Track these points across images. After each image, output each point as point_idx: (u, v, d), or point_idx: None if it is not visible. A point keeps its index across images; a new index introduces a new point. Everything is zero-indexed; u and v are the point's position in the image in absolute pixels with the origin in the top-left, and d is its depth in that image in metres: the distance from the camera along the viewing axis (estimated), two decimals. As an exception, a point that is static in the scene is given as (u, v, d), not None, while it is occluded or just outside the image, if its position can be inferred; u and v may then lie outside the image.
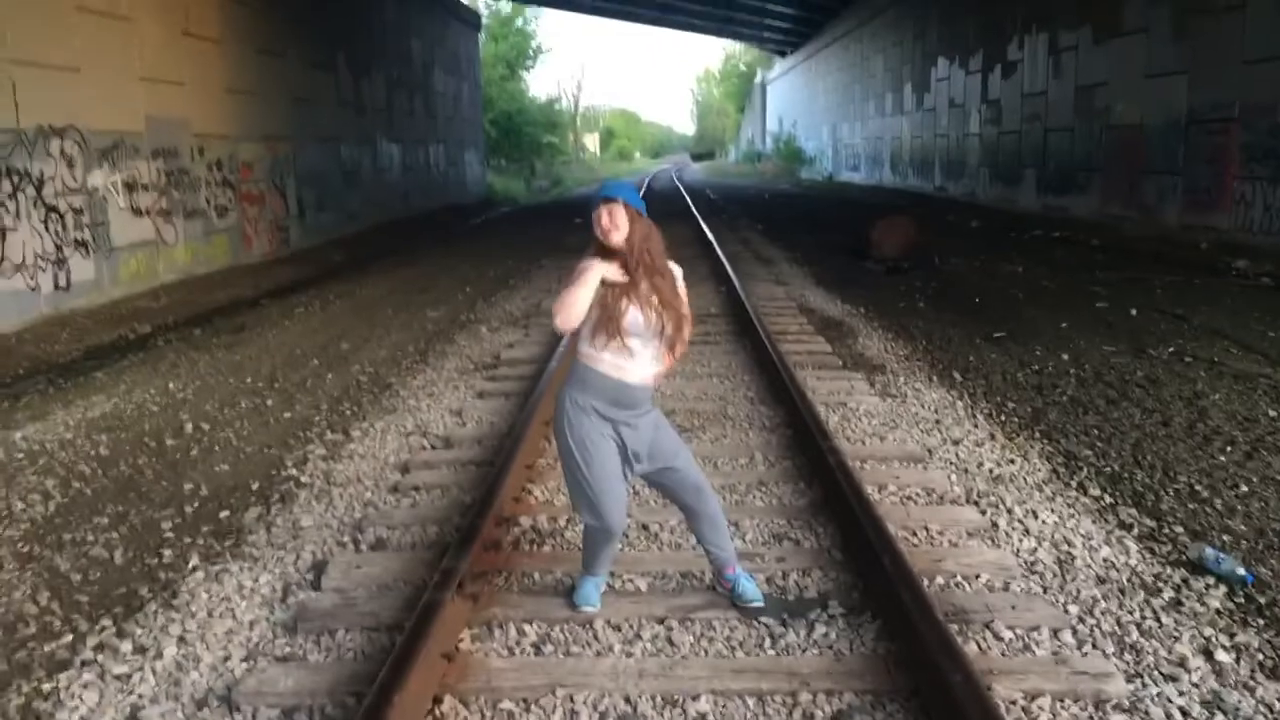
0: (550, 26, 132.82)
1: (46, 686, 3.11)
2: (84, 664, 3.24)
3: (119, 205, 11.73)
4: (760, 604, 3.39)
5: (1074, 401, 6.20)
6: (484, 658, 3.14)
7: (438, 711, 2.85)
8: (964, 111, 23.70)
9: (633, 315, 3.14)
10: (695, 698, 2.91)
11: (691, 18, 41.74)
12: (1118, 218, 15.81)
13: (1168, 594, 3.54)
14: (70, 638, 3.45)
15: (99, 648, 3.35)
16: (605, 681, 2.97)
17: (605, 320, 3.14)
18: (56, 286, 10.39)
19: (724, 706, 2.88)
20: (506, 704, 2.90)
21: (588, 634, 3.29)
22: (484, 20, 40.44)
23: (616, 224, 3.14)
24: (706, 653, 3.18)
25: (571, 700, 2.90)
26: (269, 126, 16.18)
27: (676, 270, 3.35)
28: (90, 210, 11.07)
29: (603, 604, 3.43)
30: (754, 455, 5.14)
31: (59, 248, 10.45)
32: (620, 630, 3.31)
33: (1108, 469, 4.94)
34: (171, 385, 7.27)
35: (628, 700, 2.91)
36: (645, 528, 4.15)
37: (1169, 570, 3.74)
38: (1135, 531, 4.15)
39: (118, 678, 3.14)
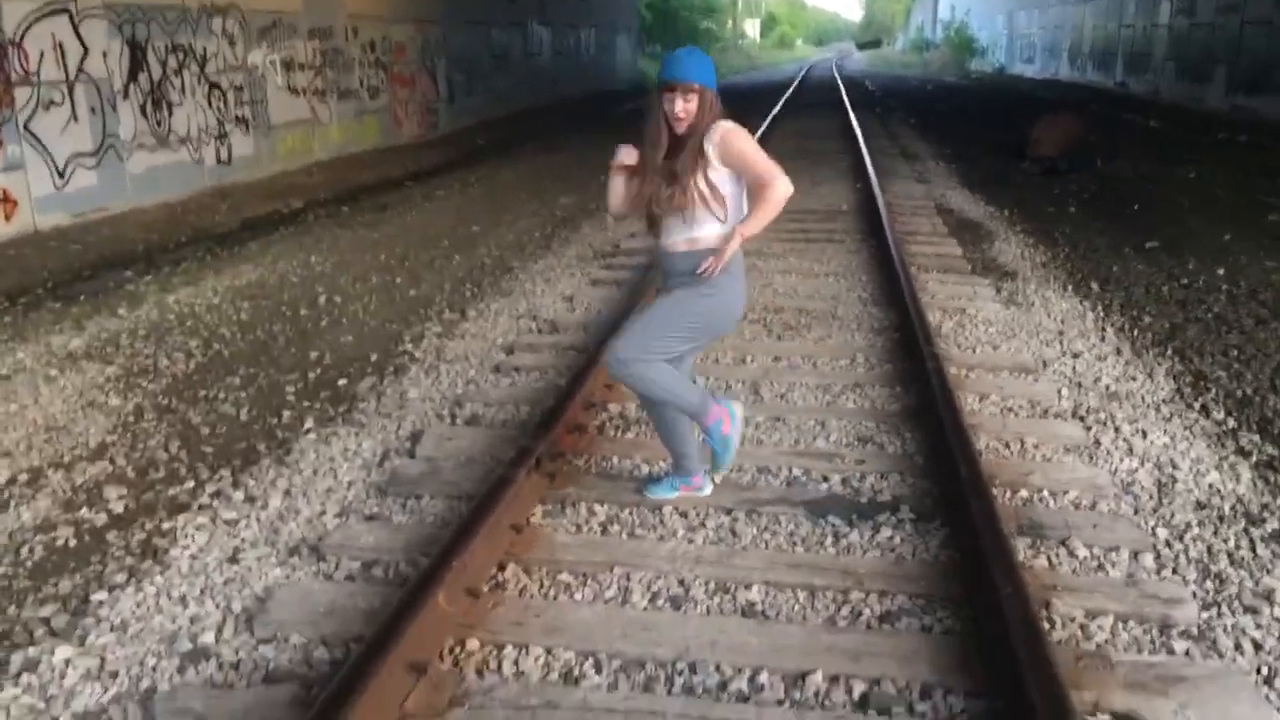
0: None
1: (166, 525, 3.45)
2: (200, 508, 3.57)
3: (277, 84, 12.22)
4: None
5: (1219, 319, 5.78)
6: (551, 532, 3.29)
7: (500, 577, 3.01)
8: (1153, 0, 21.67)
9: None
10: (748, 586, 2.97)
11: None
12: (1317, 122, 14.31)
13: (1271, 525, 3.34)
14: (192, 484, 3.79)
15: (215, 495, 3.68)
16: (662, 564, 3.07)
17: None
18: (219, 160, 11.02)
19: (774, 597, 2.93)
20: (565, 575, 3.03)
21: (655, 518, 3.39)
22: (644, -103, 39.23)
23: (688, 110, 3.08)
24: (767, 545, 3.22)
25: (628, 579, 3.01)
26: (421, 9, 16.38)
27: (723, 131, 3.07)
28: (250, 88, 11.59)
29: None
30: (855, 357, 5.05)
31: (221, 123, 11.02)
32: (686, 517, 3.39)
33: (1239, 391, 4.63)
34: (314, 259, 7.67)
35: (681, 583, 3.00)
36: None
37: (1279, 501, 3.52)
38: (1253, 459, 3.90)
39: (226, 522, 3.44)
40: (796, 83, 31.32)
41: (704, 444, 3.39)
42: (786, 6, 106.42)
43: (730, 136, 3.06)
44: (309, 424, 4.38)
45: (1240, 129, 14.92)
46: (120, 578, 3.10)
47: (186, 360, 5.29)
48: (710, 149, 3.05)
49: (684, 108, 3.03)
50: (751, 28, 78.45)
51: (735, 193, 3.15)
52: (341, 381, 4.95)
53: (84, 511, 3.57)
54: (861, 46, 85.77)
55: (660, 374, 3.18)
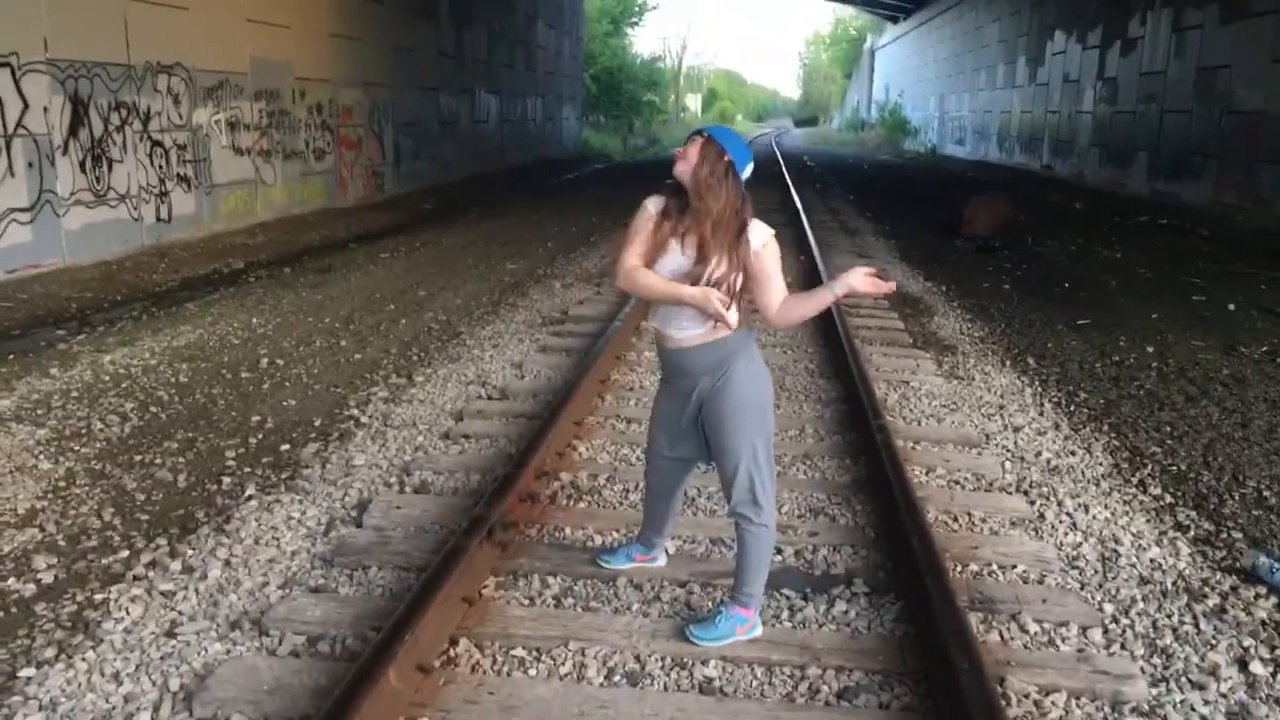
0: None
1: (98, 597, 3.30)
2: (135, 579, 3.43)
3: (221, 143, 12.13)
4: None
5: (1151, 396, 5.97)
6: (504, 605, 3.22)
7: (453, 652, 2.94)
8: (1078, 88, 22.72)
9: (672, 252, 2.90)
10: (705, 662, 2.94)
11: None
12: (1231, 207, 15.03)
13: (1213, 600, 3.41)
14: (126, 553, 3.65)
15: (151, 564, 3.54)
16: (618, 639, 3.02)
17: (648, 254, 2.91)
18: (158, 218, 10.84)
19: (731, 673, 2.90)
20: (519, 650, 2.97)
21: (609, 590, 3.34)
22: (591, -26, 40.26)
23: (686, 155, 2.88)
24: (723, 619, 3.19)
25: (583, 654, 2.96)
26: (369, 73, 16.48)
27: (759, 233, 2.91)
28: (193, 146, 11.48)
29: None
30: (804, 428, 5.10)
31: (162, 181, 10.88)
32: (641, 590, 3.35)
33: (1174, 468, 4.76)
34: (255, 320, 7.54)
35: (637, 658, 2.95)
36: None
37: (1219, 577, 3.60)
38: (1191, 534, 4.00)
39: (163, 594, 3.31)
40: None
41: (717, 617, 3.07)
42: (727, 82, 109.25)
43: (772, 247, 2.93)
44: (250, 490, 4.26)
45: (1162, 212, 15.61)
46: (49, 653, 2.95)
47: (121, 423, 5.12)
48: (752, 245, 2.89)
49: (682, 151, 2.90)
50: (693, 102, 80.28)
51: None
52: (284, 447, 4.84)
53: (10, 582, 3.40)
54: (799, 123, 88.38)
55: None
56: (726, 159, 2.85)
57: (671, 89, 64.83)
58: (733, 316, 2.84)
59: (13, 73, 8.67)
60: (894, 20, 49.29)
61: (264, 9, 12.97)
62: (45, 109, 9.08)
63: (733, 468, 2.98)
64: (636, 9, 47.91)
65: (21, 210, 8.84)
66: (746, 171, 2.93)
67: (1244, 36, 14.98)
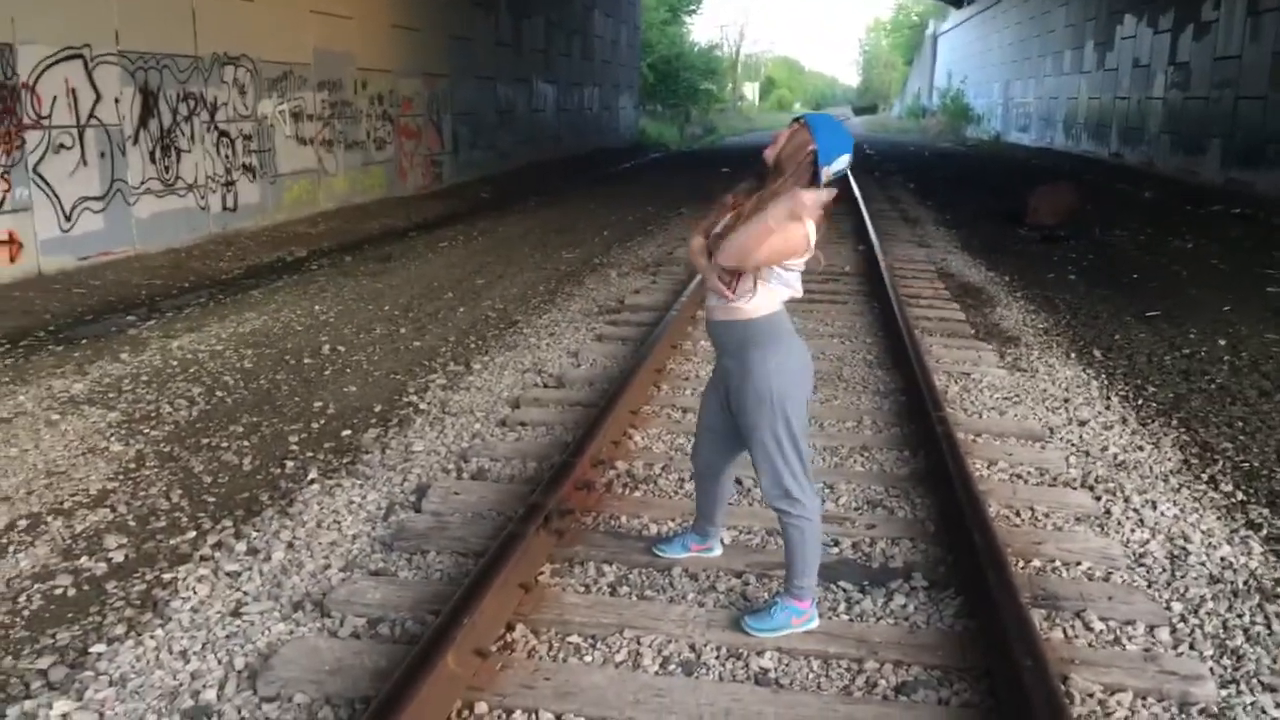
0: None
1: (166, 576, 3.39)
2: (202, 559, 3.52)
3: (285, 133, 12.34)
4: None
5: (1222, 390, 5.79)
6: (560, 592, 3.24)
7: (509, 637, 2.96)
8: (1148, 73, 22.08)
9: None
10: (760, 653, 2.92)
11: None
12: (1310, 196, 14.51)
13: (1287, 602, 3.30)
14: (193, 534, 3.74)
15: (217, 545, 3.63)
16: (673, 628, 3.02)
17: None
18: (224, 207, 11.08)
19: (787, 665, 2.88)
20: (575, 637, 2.98)
21: (664, 579, 3.34)
22: (649, -38, 40.12)
23: (776, 140, 2.83)
24: (779, 610, 3.17)
25: (638, 642, 2.96)
26: (429, 63, 16.63)
27: (783, 237, 2.73)
28: (258, 137, 11.70)
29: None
30: (862, 419, 5.04)
31: (228, 170, 11.11)
32: (696, 580, 3.34)
33: (1246, 464, 4.61)
34: (317, 307, 7.67)
35: (692, 648, 2.95)
36: (739, 481, 4.13)
37: (1294, 577, 3.48)
38: (1264, 533, 3.87)
39: (229, 574, 3.39)
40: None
41: (772, 608, 3.03)
42: (785, 70, 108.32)
43: (791, 199, 2.71)
44: (313, 474, 4.33)
45: (1235, 201, 15.12)
46: (120, 630, 3.04)
47: (189, 407, 5.25)
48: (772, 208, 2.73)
49: (780, 134, 2.85)
50: (750, 90, 79.75)
51: (788, 280, 2.86)
52: (345, 432, 4.91)
53: (83, 560, 3.51)
54: (859, 111, 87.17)
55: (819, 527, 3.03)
56: (810, 148, 2.76)
57: (729, 77, 64.45)
58: (745, 291, 2.80)
59: (85, 64, 8.91)
60: (957, 5, 48.40)
61: (327, 1, 13.15)
62: (116, 100, 9.32)
63: (759, 459, 2.95)
64: (694, -3, 47.68)
65: (94, 199, 9.09)
66: (837, 164, 2.80)
67: (1325, 18, 14.41)
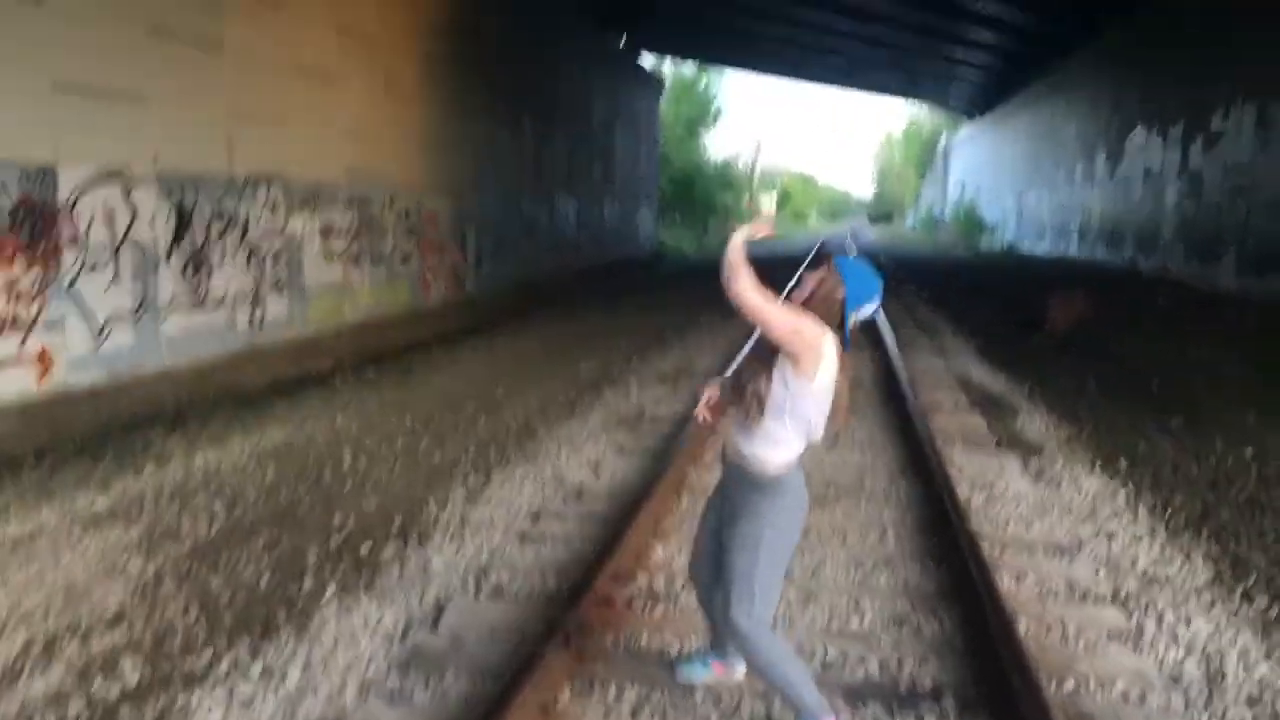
0: (732, 88, 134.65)
1: (180, 701, 3.35)
2: (216, 682, 3.47)
3: (314, 249, 12.65)
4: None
5: (1251, 502, 5.69)
6: (580, 714, 3.17)
7: (528, 764, 2.89)
8: (1160, 182, 22.43)
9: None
10: (786, 781, 2.83)
11: (874, 78, 41.51)
12: (1330, 302, 14.50)
13: (1333, 726, 3.18)
14: (209, 655, 3.70)
15: (232, 666, 3.59)
16: (696, 753, 2.94)
17: None
18: (252, 322, 11.28)
19: (814, 794, 2.79)
20: (595, 764, 2.91)
21: (687, 702, 3.27)
22: (666, 83, 41.55)
23: (802, 284, 2.95)
24: (805, 735, 3.09)
25: (660, 768, 2.89)
26: (455, 180, 17.12)
27: (811, 329, 2.79)
28: (288, 253, 12.00)
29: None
30: (885, 532, 4.98)
31: (257, 286, 11.35)
32: (720, 702, 3.27)
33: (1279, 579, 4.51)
34: (340, 420, 7.74)
35: (716, 775, 2.87)
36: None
37: (1338, 699, 3.36)
38: (1304, 652, 3.76)
39: (242, 700, 3.34)
40: (812, 254, 32.18)
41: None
42: (800, 183, 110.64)
43: (812, 326, 2.79)
44: (330, 592, 4.30)
45: (1251, 309, 15.13)
46: (132, 756, 2.99)
47: (209, 523, 5.26)
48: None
49: (809, 277, 2.93)
50: (768, 202, 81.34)
51: (805, 415, 2.86)
52: (365, 547, 4.89)
53: (98, 682, 3.47)
54: (873, 220, 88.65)
55: (785, 651, 3.02)
56: (840, 295, 2.85)
57: (746, 189, 65.88)
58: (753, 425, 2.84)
59: (124, 185, 9.24)
60: (969, 116, 49.63)
61: (360, 122, 13.65)
62: (152, 219, 9.62)
63: (727, 586, 2.97)
64: (711, 114, 49.18)
65: (125, 316, 9.30)
66: (865, 310, 2.88)
67: (1332, 128, 14.67)
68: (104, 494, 5.74)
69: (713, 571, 3.15)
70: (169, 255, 9.89)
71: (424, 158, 15.89)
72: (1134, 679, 3.43)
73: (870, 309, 2.89)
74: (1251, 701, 3.33)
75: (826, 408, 2.87)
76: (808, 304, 2.88)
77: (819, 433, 2.91)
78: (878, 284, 2.91)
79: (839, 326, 2.85)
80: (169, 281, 9.89)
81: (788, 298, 2.97)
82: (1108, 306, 14.09)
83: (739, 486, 2.99)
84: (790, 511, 2.97)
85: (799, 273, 2.96)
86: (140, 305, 9.49)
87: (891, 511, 5.36)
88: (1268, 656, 3.67)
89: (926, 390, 8.67)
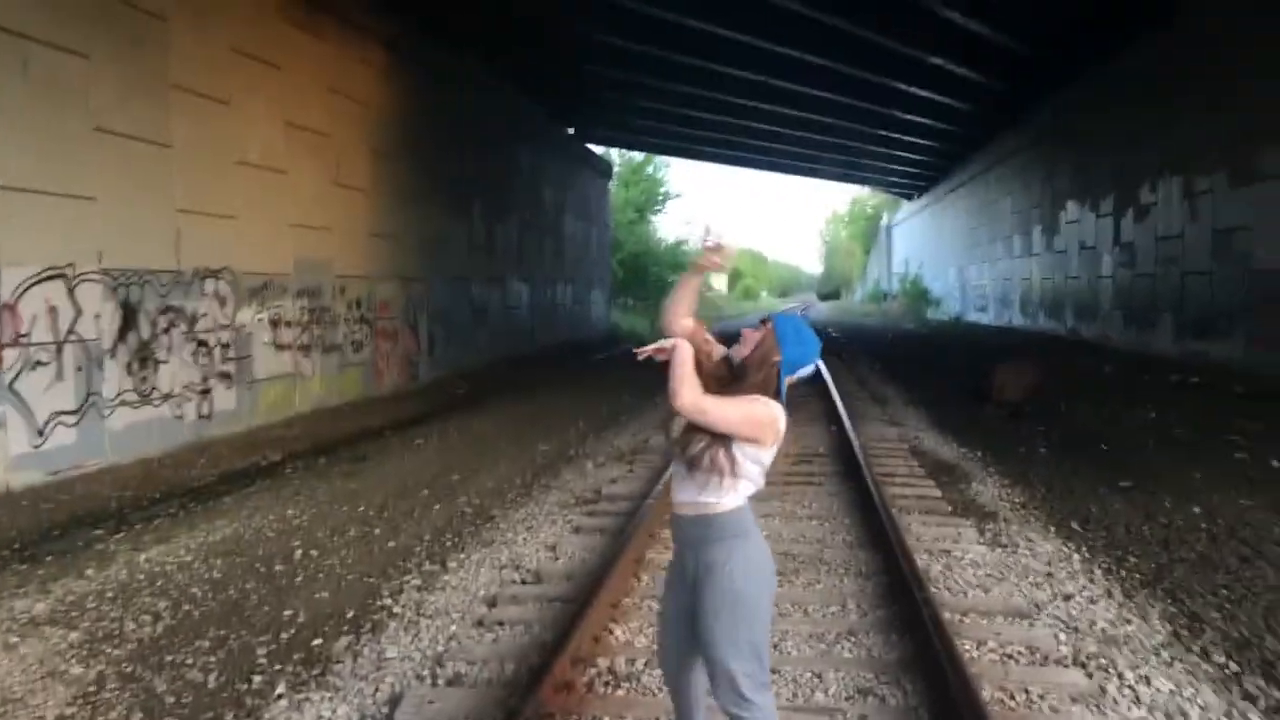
0: (680, 170, 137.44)
1: (123, 807, 3.20)
2: (160, 787, 3.33)
3: (264, 340, 12.54)
4: None
5: (1203, 559, 5.78)
6: (541, 804, 3.08)
7: None
8: (1095, 254, 23.17)
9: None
10: None
11: (817, 165, 42.66)
12: (1264, 363, 14.95)
13: (1296, 779, 3.19)
14: (153, 760, 3.55)
15: (178, 770, 3.44)
16: (661, 839, 2.86)
17: None
18: (200, 415, 11.09)
19: None
20: None
21: (651, 786, 3.19)
22: (615, 168, 42.35)
23: (746, 340, 2.98)
24: (772, 814, 3.02)
25: None
26: (405, 268, 17.17)
27: (764, 410, 2.84)
28: (236, 344, 11.88)
29: (669, 754, 3.32)
30: (846, 603, 4.96)
31: (205, 379, 11.20)
32: (684, 785, 3.19)
33: (1234, 633, 4.56)
34: (290, 511, 7.58)
35: None
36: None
37: (1299, 752, 3.38)
38: (1261, 705, 3.79)
39: (189, 803, 3.20)
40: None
41: None
42: (749, 261, 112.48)
43: (757, 400, 2.84)
44: (280, 689, 4.17)
45: (1192, 371, 15.55)
46: None
47: (154, 623, 5.08)
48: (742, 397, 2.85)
49: (749, 335, 2.96)
50: (718, 280, 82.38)
51: (756, 472, 2.91)
52: (316, 641, 4.76)
53: (34, 794, 3.31)
54: (823, 297, 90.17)
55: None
56: (776, 359, 2.89)
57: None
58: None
59: (67, 283, 9.13)
60: (909, 197, 51.10)
61: (308, 214, 13.69)
62: (97, 316, 9.49)
63: (716, 661, 2.86)
64: (660, 198, 50.07)
65: (68, 413, 9.10)
66: (801, 373, 2.94)
67: (1257, 198, 15.33)
68: (44, 597, 5.53)
69: (681, 655, 3.07)
70: (114, 351, 9.75)
71: (373, 246, 15.96)
72: (1098, 741, 3.42)
73: (808, 370, 2.94)
74: (1215, 758, 3.33)
75: (771, 460, 2.91)
76: (749, 360, 2.90)
77: (762, 484, 2.94)
78: (815, 345, 2.96)
79: (775, 389, 2.88)
80: (114, 377, 9.73)
81: (726, 360, 2.99)
82: (1054, 374, 14.39)
83: (701, 544, 2.89)
84: (759, 552, 2.91)
85: (740, 329, 3.07)
86: (84, 402, 9.31)
87: (851, 582, 5.35)
88: (1228, 713, 3.69)
89: (880, 459, 8.73)
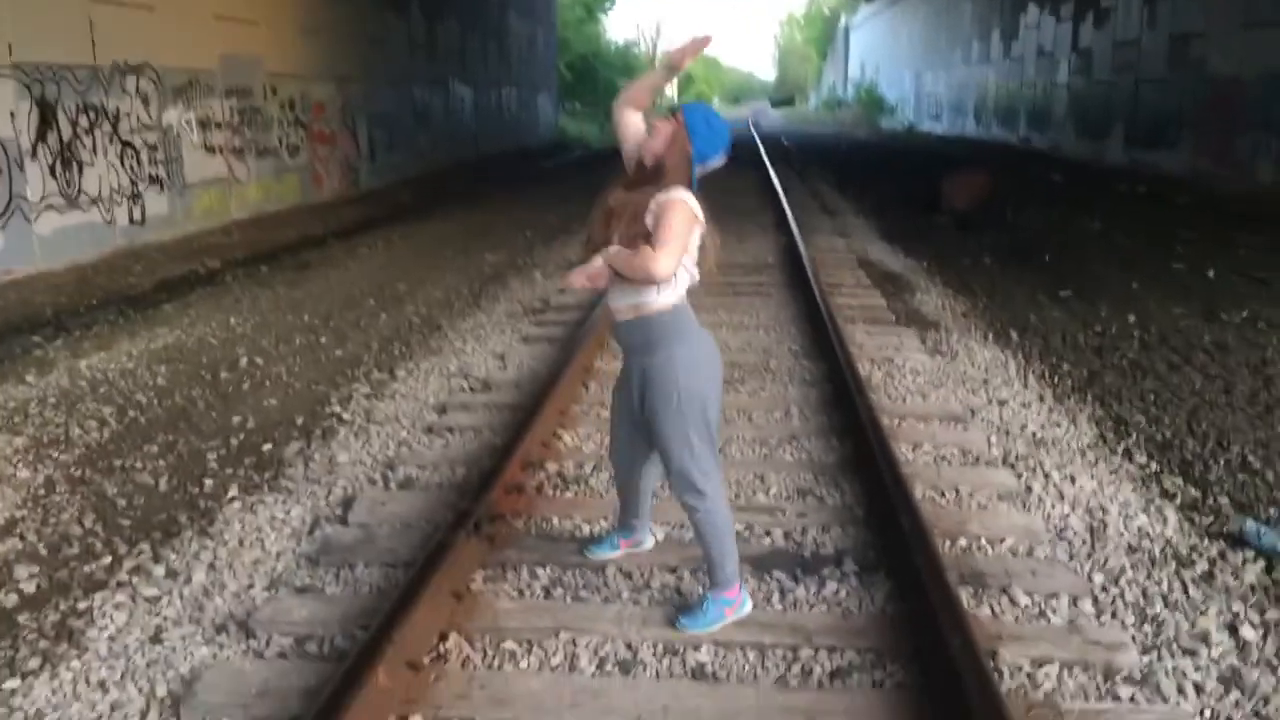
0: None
1: (82, 605, 3.26)
2: (118, 585, 3.39)
3: (193, 142, 12.00)
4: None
5: (1134, 365, 5.98)
6: (493, 598, 3.20)
7: (443, 648, 2.91)
8: (1052, 60, 22.78)
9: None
10: (696, 648, 2.92)
11: (774, -41, 40.65)
12: (1208, 174, 15.10)
13: (1201, 567, 3.42)
14: (109, 560, 3.60)
15: (134, 570, 3.50)
16: (609, 627, 3.00)
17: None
18: (131, 220, 10.72)
19: (723, 657, 2.89)
20: (509, 644, 2.95)
21: (598, 579, 3.32)
22: (562, -39, 40.00)
23: (658, 133, 2.86)
24: (714, 604, 3.18)
25: (574, 644, 2.94)
26: (341, 67, 16.32)
27: (668, 198, 2.76)
28: (164, 146, 11.35)
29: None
30: (789, 409, 5.08)
31: (134, 183, 10.75)
32: (630, 577, 3.33)
33: (1158, 436, 4.78)
34: (233, 320, 7.47)
35: (629, 646, 2.94)
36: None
37: (1206, 543, 3.61)
38: (1178, 501, 4.01)
39: (148, 599, 3.27)
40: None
41: (704, 603, 3.03)
42: (702, 66, 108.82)
43: (667, 205, 2.75)
44: (233, 492, 4.21)
45: (1140, 181, 15.67)
46: (34, 663, 2.91)
47: (100, 428, 5.06)
48: (649, 217, 2.77)
49: (661, 126, 2.86)
50: (670, 86, 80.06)
51: (687, 262, 2.87)
52: (266, 446, 4.78)
53: (-9, 593, 3.35)
54: (776, 104, 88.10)
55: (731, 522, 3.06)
56: (688, 150, 2.82)
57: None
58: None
59: (-23, 78, 8.54)
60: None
61: (232, 5, 12.82)
62: (12, 114, 8.94)
63: (668, 456, 2.94)
64: (609, -6, 47.67)
65: (-9, 216, 8.72)
66: (712, 164, 2.89)
67: (1215, 3, 15.01)
68: (-18, 404, 5.45)
69: (639, 451, 3.15)
70: (34, 152, 9.26)
71: (305, 43, 15.09)
72: (1022, 535, 3.61)
73: (717, 162, 2.90)
74: (1130, 550, 3.54)
75: (696, 255, 2.90)
76: (667, 156, 2.83)
77: (696, 275, 2.93)
78: (725, 136, 2.88)
79: (688, 181, 2.83)
80: (37, 179, 9.29)
81: (638, 161, 2.93)
82: (1004, 184, 14.39)
83: (644, 349, 2.89)
84: (702, 348, 2.92)
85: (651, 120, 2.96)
86: (7, 205, 8.91)
87: (795, 390, 5.47)
88: (1145, 509, 3.90)
89: (828, 269, 8.78)
